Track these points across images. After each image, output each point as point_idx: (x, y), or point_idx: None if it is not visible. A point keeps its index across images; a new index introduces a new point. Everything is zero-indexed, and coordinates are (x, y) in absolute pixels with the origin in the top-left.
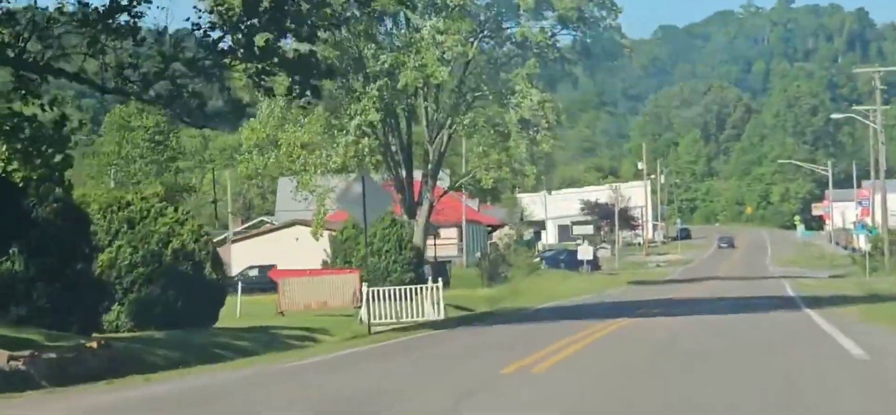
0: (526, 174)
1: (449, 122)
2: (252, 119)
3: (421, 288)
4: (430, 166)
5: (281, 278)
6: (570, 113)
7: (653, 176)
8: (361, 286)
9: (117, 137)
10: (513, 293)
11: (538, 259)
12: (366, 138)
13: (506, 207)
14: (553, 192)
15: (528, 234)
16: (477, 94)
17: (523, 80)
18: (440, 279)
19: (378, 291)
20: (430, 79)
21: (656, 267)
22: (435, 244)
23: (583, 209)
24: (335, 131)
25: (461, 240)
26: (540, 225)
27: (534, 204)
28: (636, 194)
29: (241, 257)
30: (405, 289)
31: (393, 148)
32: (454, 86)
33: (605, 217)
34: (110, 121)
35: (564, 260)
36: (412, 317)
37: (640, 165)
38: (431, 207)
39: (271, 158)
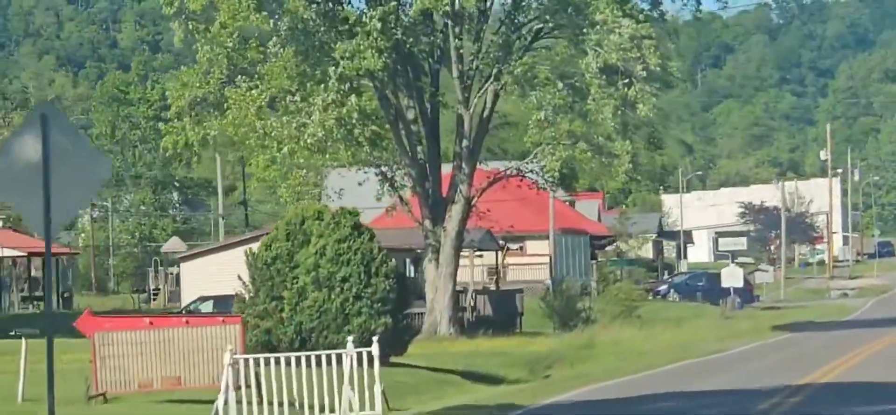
0: (615, 153)
1: (495, 70)
2: (184, 68)
3: (349, 357)
4: (465, 143)
5: (96, 330)
6: (736, 90)
7: (840, 171)
8: (242, 347)
9: (110, 115)
10: (580, 350)
11: (659, 288)
12: (354, 96)
13: (635, 214)
14: (704, 191)
15: (669, 248)
16: (538, 26)
17: (609, 5)
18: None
19: (267, 360)
20: (463, 2)
21: (841, 297)
22: (496, 265)
23: (743, 214)
24: (311, 86)
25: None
26: (685, 237)
27: (685, 209)
28: (820, 196)
29: (192, 283)
30: (317, 357)
31: (406, 114)
32: (503, 15)
33: (774, 226)
34: (102, 93)
35: (704, 288)
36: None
37: (823, 155)
38: (468, 205)
39: (214, 127)
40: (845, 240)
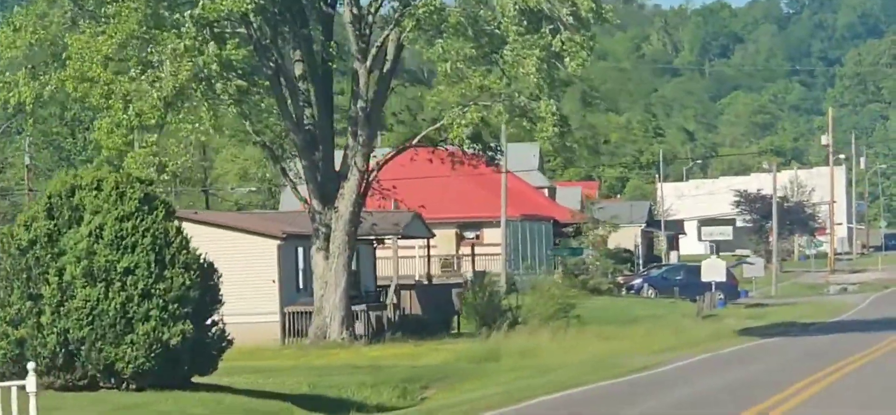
0: (540, 116)
1: (397, 14)
2: (18, 9)
3: None
4: (360, 104)
5: None
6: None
7: (842, 156)
8: None
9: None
10: (479, 364)
11: (633, 282)
12: (211, 43)
13: (624, 202)
14: (703, 180)
15: (660, 239)
16: None
17: None
18: None
19: None
20: None
21: (840, 292)
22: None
23: (737, 203)
24: (164, 33)
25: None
26: (677, 228)
27: (680, 198)
28: (823, 185)
29: None
30: None
31: (291, 70)
32: None
33: (771, 216)
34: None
35: (682, 282)
36: None
37: (824, 140)
38: (364, 182)
39: (52, 81)
40: (849, 232)
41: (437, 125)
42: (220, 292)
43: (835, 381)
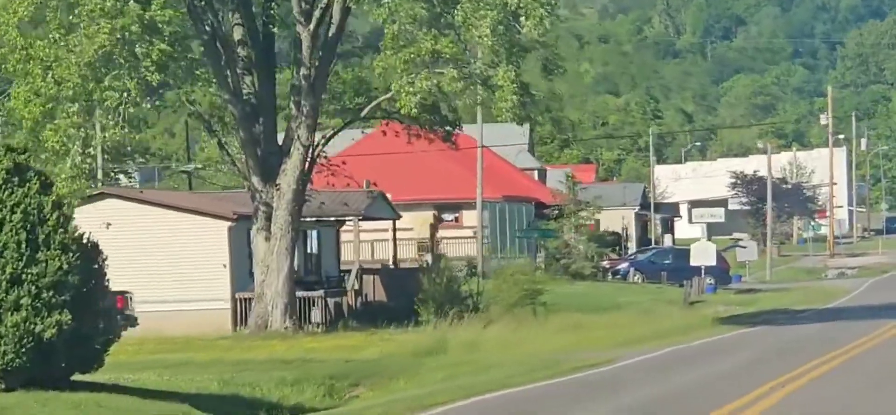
0: (498, 84)
1: None
2: None
3: None
4: (304, 71)
5: None
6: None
7: (842, 136)
8: None
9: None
10: (423, 358)
11: (618, 267)
12: (132, 3)
13: (619, 183)
14: (700, 162)
15: (654, 223)
16: None
17: None
18: None
19: None
20: None
21: (838, 277)
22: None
23: (733, 184)
24: None
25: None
26: (673, 211)
27: (677, 181)
28: (823, 167)
29: None
30: None
31: (228, 34)
32: None
33: (774, 197)
34: None
35: (670, 267)
36: None
37: (823, 120)
38: (309, 158)
39: None
40: (850, 215)
41: (389, 95)
42: (107, 277)
43: (807, 383)
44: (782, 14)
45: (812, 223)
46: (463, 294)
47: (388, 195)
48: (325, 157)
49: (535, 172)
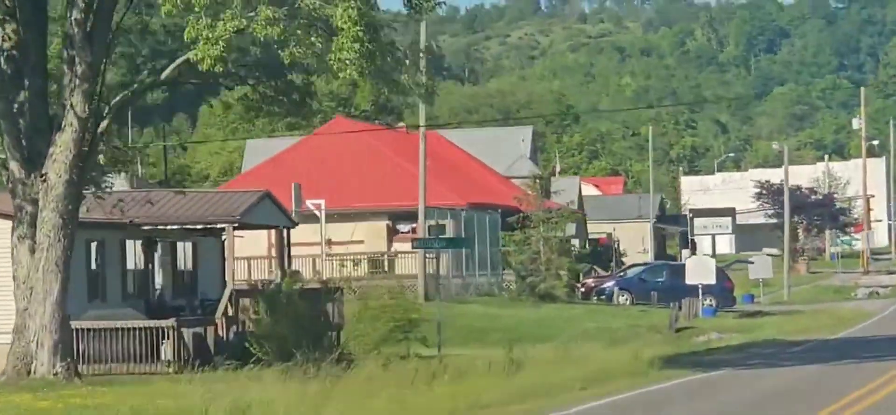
0: (337, 26)
1: None
2: None
3: None
4: (77, 16)
5: None
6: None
7: (876, 143)
8: None
9: None
10: None
11: (604, 286)
12: None
13: (634, 193)
14: (731, 173)
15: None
16: None
17: None
18: None
19: None
20: None
21: (870, 296)
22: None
23: (758, 195)
24: None
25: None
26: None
27: (706, 193)
28: (859, 178)
29: None
30: None
31: None
32: None
33: (799, 209)
34: None
35: (663, 285)
36: None
37: (856, 123)
38: (89, 135)
39: None
40: (889, 229)
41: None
42: None
43: None
44: (827, 27)
45: (841, 237)
46: (329, 326)
47: (311, 198)
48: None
49: (536, 181)
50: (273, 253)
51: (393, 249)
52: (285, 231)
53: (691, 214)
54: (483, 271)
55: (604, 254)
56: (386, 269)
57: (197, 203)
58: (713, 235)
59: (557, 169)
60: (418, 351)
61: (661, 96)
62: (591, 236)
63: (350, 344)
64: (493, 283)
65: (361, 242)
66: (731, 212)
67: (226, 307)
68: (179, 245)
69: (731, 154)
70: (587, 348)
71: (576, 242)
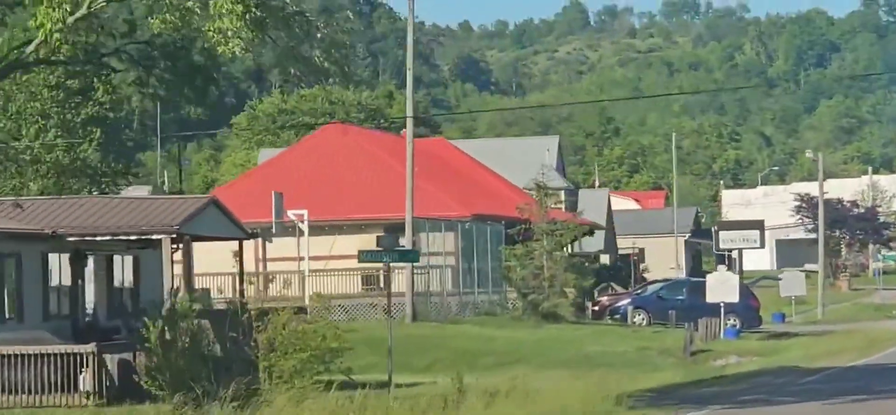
0: None
1: None
2: None
3: None
4: None
5: None
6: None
7: None
8: None
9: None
10: None
11: (618, 304)
12: None
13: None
14: (774, 187)
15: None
16: None
17: None
18: None
19: None
20: None
21: None
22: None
23: (798, 208)
24: None
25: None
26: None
27: (746, 207)
28: None
29: None
30: None
31: None
32: None
33: (840, 223)
34: None
35: (682, 304)
36: None
37: None
38: None
39: None
40: None
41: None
42: None
43: None
44: (878, 40)
45: (883, 252)
46: (241, 355)
47: (300, 208)
48: None
49: (562, 193)
50: (261, 268)
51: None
52: (239, 242)
53: (716, 227)
54: (483, 289)
55: (622, 269)
56: (381, 286)
57: (131, 211)
58: (740, 250)
59: (596, 183)
60: (367, 380)
61: (708, 110)
62: (622, 251)
63: (263, 376)
64: (495, 301)
65: (353, 256)
66: (759, 224)
67: (163, 330)
68: (116, 259)
69: (776, 167)
70: (555, 378)
71: (605, 257)
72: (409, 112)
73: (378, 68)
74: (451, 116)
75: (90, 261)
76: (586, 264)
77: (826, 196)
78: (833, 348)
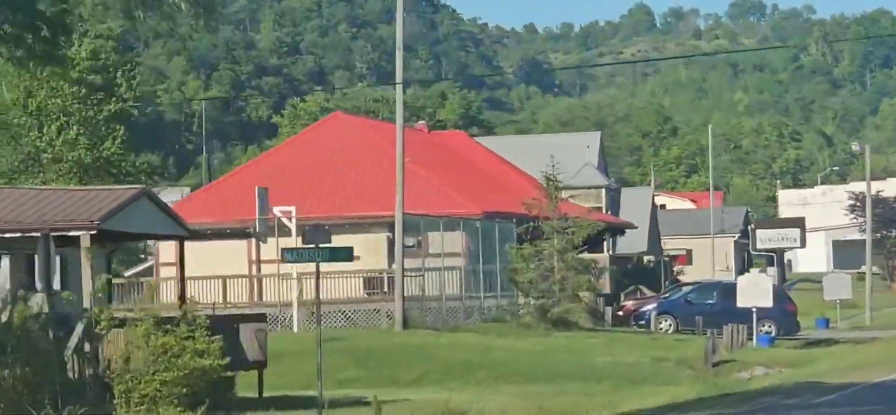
0: None
1: None
2: None
3: None
4: None
5: None
6: None
7: None
8: None
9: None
10: None
11: (644, 308)
12: None
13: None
14: (832, 186)
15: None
16: None
17: None
18: None
19: None
20: None
21: None
22: None
23: (852, 207)
24: None
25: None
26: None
27: (803, 207)
28: None
29: None
30: None
31: None
32: None
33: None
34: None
35: (712, 308)
36: None
37: None
38: None
39: None
40: None
41: None
42: None
43: None
44: None
45: None
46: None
47: (294, 204)
48: None
49: (602, 192)
50: (254, 271)
51: (393, 266)
52: (179, 242)
53: (753, 226)
54: (491, 292)
55: (656, 271)
56: (386, 289)
57: (45, 204)
58: (780, 250)
59: (653, 184)
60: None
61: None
62: (672, 253)
63: (119, 403)
64: (504, 307)
65: (358, 258)
66: (799, 222)
67: (74, 344)
68: (38, 259)
69: (836, 167)
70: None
71: (650, 258)
72: (400, 99)
73: (441, 71)
74: (510, 119)
75: (4, 262)
76: (596, 265)
77: (883, 194)
78: (869, 358)
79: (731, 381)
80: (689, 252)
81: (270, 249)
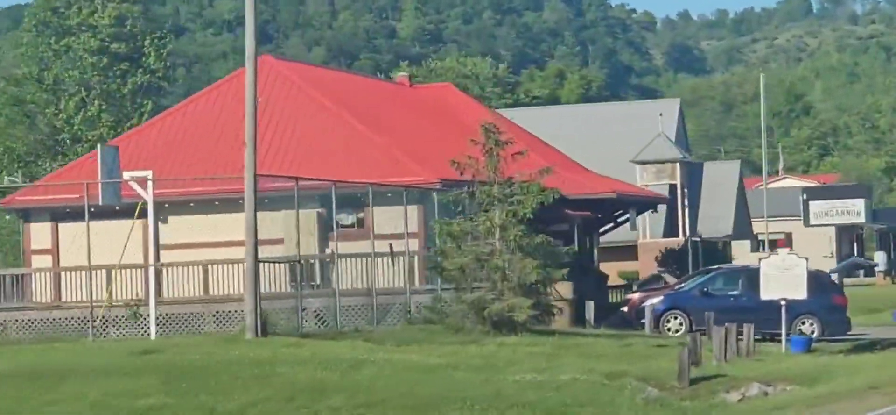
0: None
1: None
2: None
3: None
4: None
5: None
6: None
7: None
8: None
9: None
10: None
11: (647, 299)
12: None
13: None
14: None
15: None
16: None
17: None
18: None
19: None
20: None
21: None
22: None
23: None
24: None
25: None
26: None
27: None
28: None
29: None
30: None
31: None
32: None
33: None
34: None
35: (737, 302)
36: None
37: None
38: None
39: None
40: None
41: None
42: None
43: None
44: None
45: None
46: None
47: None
48: None
49: (677, 166)
50: (152, 258)
51: (328, 250)
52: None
53: (805, 196)
54: (431, 285)
55: (684, 255)
56: (318, 281)
57: None
58: (838, 225)
59: (781, 166)
60: None
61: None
62: (764, 236)
63: None
64: (427, 302)
65: (280, 240)
66: (864, 191)
67: None
68: None
69: None
70: None
71: (744, 244)
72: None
73: (588, 57)
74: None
75: None
76: (560, 247)
77: None
78: None
79: (703, 407)
80: (789, 235)
81: (185, 230)
